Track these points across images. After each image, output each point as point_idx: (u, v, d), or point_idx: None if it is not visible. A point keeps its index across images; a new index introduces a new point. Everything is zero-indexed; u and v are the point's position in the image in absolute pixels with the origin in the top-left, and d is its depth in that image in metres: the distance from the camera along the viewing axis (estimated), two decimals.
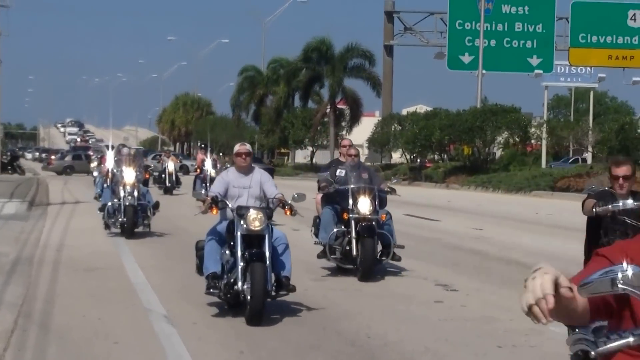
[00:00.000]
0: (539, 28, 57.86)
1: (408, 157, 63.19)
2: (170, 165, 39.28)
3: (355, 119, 72.73)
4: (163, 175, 39.20)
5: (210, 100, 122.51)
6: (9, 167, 64.19)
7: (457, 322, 10.71)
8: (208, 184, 29.34)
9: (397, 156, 70.96)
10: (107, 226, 20.48)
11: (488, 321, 10.73)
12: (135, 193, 19.77)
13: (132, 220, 19.57)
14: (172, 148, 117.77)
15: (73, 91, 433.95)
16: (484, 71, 54.79)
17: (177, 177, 39.59)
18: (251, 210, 10.61)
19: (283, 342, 9.44)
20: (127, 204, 19.58)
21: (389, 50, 65.08)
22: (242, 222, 10.54)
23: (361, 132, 73.88)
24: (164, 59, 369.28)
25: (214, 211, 10.91)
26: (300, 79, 72.44)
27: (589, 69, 59.79)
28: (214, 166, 30.69)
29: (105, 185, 28.19)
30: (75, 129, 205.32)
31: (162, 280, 13.93)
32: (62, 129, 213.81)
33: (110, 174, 21.45)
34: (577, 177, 39.20)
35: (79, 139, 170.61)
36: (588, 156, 56.20)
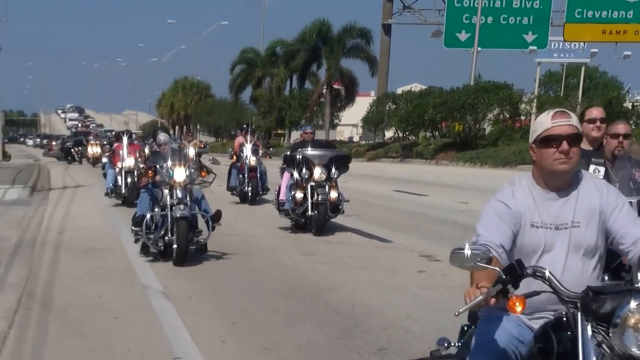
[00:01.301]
0: (536, 4, 58.14)
1: (400, 135, 63.61)
2: (192, 151, 34.76)
3: (350, 99, 73.00)
4: None
5: (210, 83, 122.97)
6: (71, 155, 61.76)
7: (438, 290, 11.16)
8: (246, 175, 24.58)
9: (389, 135, 71.42)
10: (145, 248, 14.34)
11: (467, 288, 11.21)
12: (188, 200, 13.79)
13: (186, 240, 13.40)
14: (172, 132, 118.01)
15: (73, 77, 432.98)
16: (479, 48, 55.16)
17: (200, 164, 34.60)
18: (632, 304, 3.92)
19: (273, 313, 9.94)
20: (177, 215, 13.39)
21: (387, 29, 65.18)
22: (607, 338, 4.00)
23: (356, 112, 74.19)
24: (163, 42, 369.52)
25: (518, 306, 4.10)
26: (298, 61, 72.70)
27: (582, 44, 60.20)
28: (255, 152, 24.78)
29: (116, 177, 24.59)
30: (75, 115, 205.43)
31: (160, 259, 14.37)
32: (62, 115, 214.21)
33: (150, 173, 14.17)
34: None
35: (79, 125, 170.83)
36: None
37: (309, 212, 16.94)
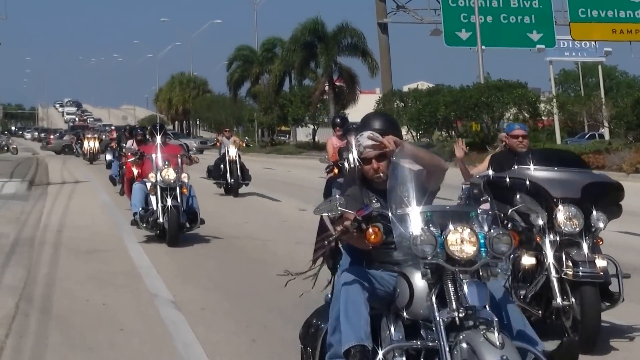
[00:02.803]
0: (535, 3, 57.68)
1: (414, 134, 62.82)
2: (232, 151, 25.81)
3: (352, 96, 72.39)
4: (222, 165, 25.80)
5: (206, 79, 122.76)
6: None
7: None
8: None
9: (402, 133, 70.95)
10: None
11: None
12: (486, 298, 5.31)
13: None
14: (170, 127, 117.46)
15: (70, 72, 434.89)
16: (483, 47, 54.49)
17: (242, 167, 25.93)
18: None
19: (296, 330, 8.88)
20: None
21: (383, 27, 64.58)
22: None
23: (362, 110, 73.59)
24: (158, 39, 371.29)
25: (374, 235, 4.83)
26: (295, 58, 72.22)
27: (593, 43, 59.57)
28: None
29: (147, 196, 15.84)
30: (73, 109, 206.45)
31: (167, 263, 13.57)
32: (60, 109, 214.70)
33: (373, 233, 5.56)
34: (596, 154, 38.24)
35: (77, 119, 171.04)
36: (605, 132, 55.61)
37: (558, 301, 8.39)
